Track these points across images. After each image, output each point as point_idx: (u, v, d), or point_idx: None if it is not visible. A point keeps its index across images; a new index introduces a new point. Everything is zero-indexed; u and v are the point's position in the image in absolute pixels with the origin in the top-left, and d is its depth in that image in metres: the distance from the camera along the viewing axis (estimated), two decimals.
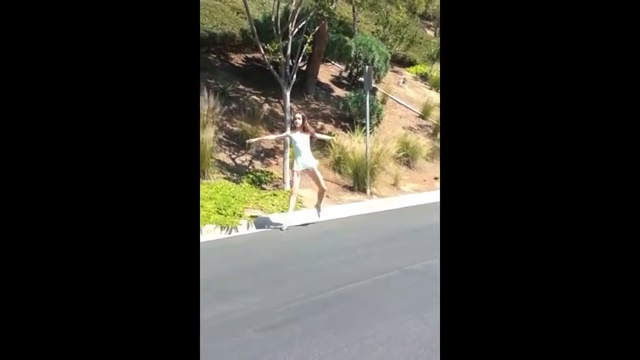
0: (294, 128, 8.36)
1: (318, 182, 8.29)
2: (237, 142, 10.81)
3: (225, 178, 9.56)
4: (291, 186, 8.33)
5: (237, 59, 14.19)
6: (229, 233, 7.58)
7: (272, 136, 9.98)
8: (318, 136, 8.89)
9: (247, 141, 9.25)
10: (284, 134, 8.68)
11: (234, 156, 10.39)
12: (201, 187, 8.84)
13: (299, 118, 8.32)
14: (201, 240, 7.15)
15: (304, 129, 8.24)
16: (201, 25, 13.10)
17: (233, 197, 8.74)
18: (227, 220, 7.72)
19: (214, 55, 13.69)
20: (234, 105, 11.66)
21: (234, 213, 8.06)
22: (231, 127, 11.08)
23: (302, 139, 8.18)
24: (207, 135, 9.47)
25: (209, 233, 7.36)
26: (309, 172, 8.30)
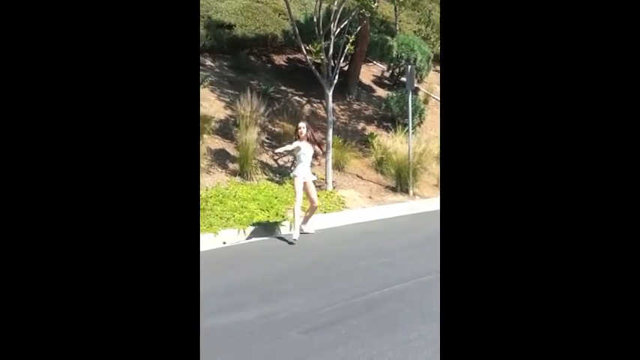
0: (298, 138, 7.79)
1: (311, 197, 7.70)
2: (279, 143, 10.86)
3: (267, 179, 9.62)
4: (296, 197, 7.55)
5: (279, 60, 14.26)
6: (272, 234, 7.62)
7: (289, 147, 8.32)
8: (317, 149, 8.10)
9: (276, 150, 8.75)
10: (294, 145, 7.85)
11: (276, 157, 10.44)
12: (244, 188, 8.93)
13: (303, 127, 7.79)
14: (244, 241, 7.22)
15: (309, 139, 7.77)
16: (243, 26, 13.21)
17: (276, 198, 8.78)
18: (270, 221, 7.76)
19: (257, 57, 13.79)
20: (276, 106, 11.72)
21: (277, 214, 8.11)
22: (273, 128, 11.14)
23: (307, 150, 7.73)
24: (250, 136, 9.55)
25: (252, 234, 7.41)
26: (308, 184, 7.64)
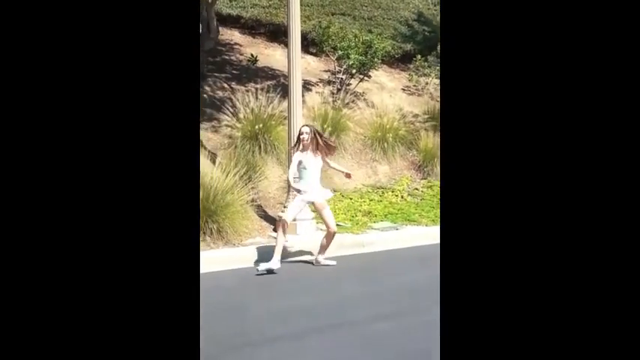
0: (300, 146, 6.00)
1: (326, 222, 5.99)
2: None
3: None
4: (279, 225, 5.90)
5: None
6: None
7: (293, 176, 6.07)
8: (333, 165, 6.36)
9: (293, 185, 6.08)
10: (294, 164, 6.00)
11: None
12: (428, 190, 9.16)
13: (305, 133, 5.96)
14: (426, 242, 7.30)
15: (317, 147, 5.97)
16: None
17: None
18: None
19: None
20: None
21: None
22: None
23: (310, 162, 5.97)
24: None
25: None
26: (317, 206, 6.07)
